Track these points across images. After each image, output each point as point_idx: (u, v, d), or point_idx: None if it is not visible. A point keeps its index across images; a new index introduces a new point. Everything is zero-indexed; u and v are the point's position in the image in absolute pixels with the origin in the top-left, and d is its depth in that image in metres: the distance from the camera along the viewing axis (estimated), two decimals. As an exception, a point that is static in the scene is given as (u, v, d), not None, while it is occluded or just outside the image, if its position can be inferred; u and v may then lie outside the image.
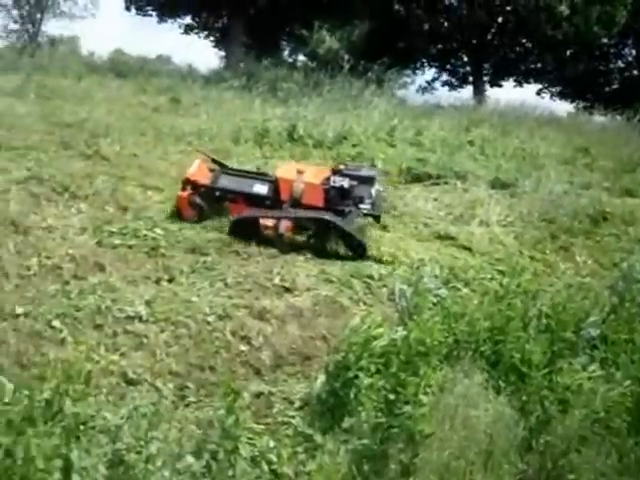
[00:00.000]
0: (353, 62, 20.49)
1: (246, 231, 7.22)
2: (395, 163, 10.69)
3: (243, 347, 5.19)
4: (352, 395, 4.21)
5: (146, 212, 7.51)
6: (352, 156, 10.87)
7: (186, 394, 4.66)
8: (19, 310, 5.30)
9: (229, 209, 7.76)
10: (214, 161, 8.53)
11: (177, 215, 7.63)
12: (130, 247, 6.71)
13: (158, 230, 7.10)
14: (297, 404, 4.59)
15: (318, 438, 4.11)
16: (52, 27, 52.57)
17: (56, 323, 5.19)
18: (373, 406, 4.08)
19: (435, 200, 9.25)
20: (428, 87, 30.49)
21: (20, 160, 8.89)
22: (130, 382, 4.66)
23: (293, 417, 4.45)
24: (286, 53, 31.65)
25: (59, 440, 3.34)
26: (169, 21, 29.88)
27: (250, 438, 4.00)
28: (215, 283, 6.14)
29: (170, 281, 6.16)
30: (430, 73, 30.63)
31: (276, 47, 29.57)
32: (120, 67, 20.76)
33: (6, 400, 3.39)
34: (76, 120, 11.25)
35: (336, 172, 7.93)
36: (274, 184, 7.85)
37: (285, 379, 4.90)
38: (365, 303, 6.06)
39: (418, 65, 30.02)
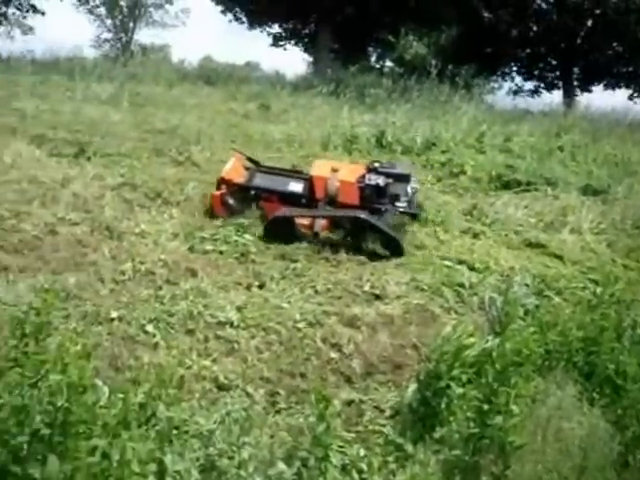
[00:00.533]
0: (440, 67, 20.36)
1: (282, 230, 7.23)
2: (485, 170, 10.56)
3: (334, 354, 5.17)
4: (443, 405, 4.17)
5: (236, 218, 7.52)
6: (441, 162, 10.82)
7: (277, 400, 4.65)
8: (114, 314, 5.36)
9: (264, 208, 7.76)
10: (249, 159, 8.59)
11: (210, 214, 7.70)
12: (221, 253, 6.79)
13: (248, 236, 7.15)
14: (388, 413, 4.56)
15: (409, 448, 4.07)
16: (144, 36, 53.59)
17: (149, 327, 5.24)
18: (465, 416, 4.02)
19: (525, 207, 9.10)
20: (516, 92, 30.00)
21: (114, 166, 9.07)
22: (221, 387, 4.68)
23: (384, 426, 4.42)
24: (373, 59, 31.62)
25: (153, 444, 3.37)
26: (257, 29, 30.14)
27: (341, 446, 4.00)
28: (305, 290, 6.15)
29: (261, 287, 6.19)
30: (518, 78, 30.21)
31: (363, 53, 29.54)
32: (209, 74, 20.98)
33: (102, 403, 3.42)
34: (168, 127, 11.42)
35: (371, 170, 7.93)
36: (309, 182, 7.87)
37: (376, 387, 4.87)
38: (456, 312, 5.99)
39: (506, 70, 29.65)
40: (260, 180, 8.13)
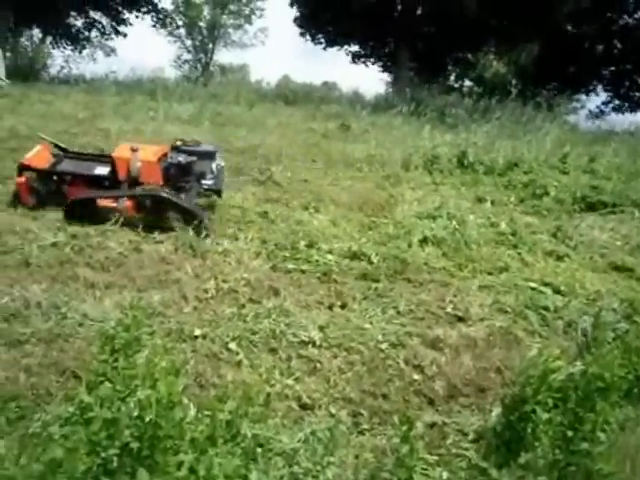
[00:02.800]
0: (521, 86, 20.20)
1: (83, 212, 7.31)
2: (569, 191, 10.40)
3: (416, 376, 5.13)
4: (529, 430, 4.10)
5: (317, 238, 7.54)
6: (524, 183, 10.70)
7: (359, 421, 4.63)
8: (197, 332, 5.40)
9: (68, 193, 7.74)
10: (56, 146, 8.58)
11: (18, 201, 7.72)
12: (303, 272, 6.78)
13: (330, 256, 7.15)
14: (471, 436, 4.50)
15: (493, 472, 4.02)
16: (223, 56, 54.27)
17: (232, 346, 5.26)
18: (550, 442, 3.97)
19: (611, 230, 8.95)
20: (600, 112, 29.49)
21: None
22: (305, 406, 4.67)
23: (467, 449, 4.36)
24: (452, 78, 31.56)
25: (239, 461, 3.39)
26: (335, 48, 30.29)
27: (424, 468, 3.95)
28: (387, 310, 6.12)
29: (343, 307, 6.17)
30: (602, 97, 29.70)
31: (443, 72, 29.50)
32: (288, 94, 21.14)
33: (189, 419, 3.45)
34: (249, 146, 11.52)
35: (174, 149, 7.97)
36: (112, 164, 7.87)
37: (459, 410, 4.81)
38: (540, 335, 5.90)
39: (589, 89, 29.23)
40: (66, 165, 8.16)
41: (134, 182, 7.73)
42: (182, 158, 7.85)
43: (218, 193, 8.17)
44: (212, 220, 7.62)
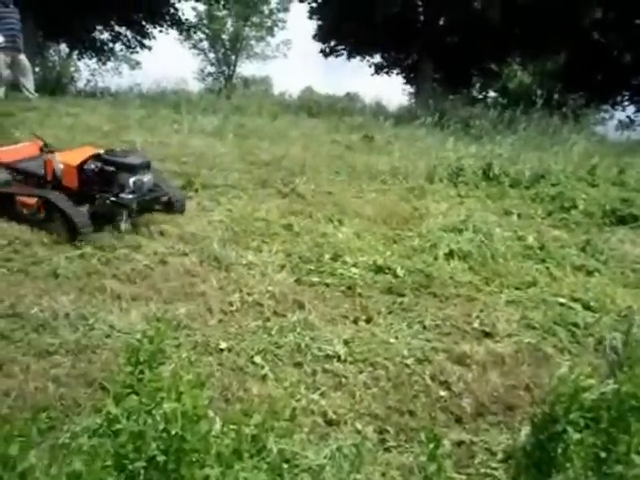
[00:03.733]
0: (546, 96, 20.07)
1: (4, 206, 7.63)
2: (598, 204, 10.24)
3: (443, 392, 5.08)
4: (560, 450, 4.03)
5: (341, 251, 7.49)
6: (551, 196, 10.58)
7: (385, 437, 4.58)
8: (223, 345, 5.40)
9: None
10: (45, 145, 8.73)
11: None
12: (327, 285, 6.73)
13: (354, 269, 7.10)
14: (500, 456, 4.42)
15: (523, 493, 3.98)
16: (246, 68, 54.52)
17: (258, 359, 5.25)
18: (582, 463, 3.89)
19: (643, 244, 8.85)
20: (630, 122, 29.04)
21: (220, 198, 9.18)
22: (330, 422, 4.63)
23: (496, 469, 4.29)
24: (476, 88, 31.50)
25: (265, 475, 3.36)
26: (357, 59, 30.34)
27: (452, 488, 3.93)
28: (413, 325, 6.07)
29: (368, 321, 6.12)
30: (631, 108, 29.36)
31: (467, 82, 29.44)
32: (311, 105, 21.15)
33: (214, 433, 3.43)
34: (273, 159, 11.49)
35: (96, 156, 7.76)
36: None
37: (487, 428, 4.74)
38: (570, 352, 5.80)
39: (618, 99, 28.95)
40: (24, 164, 8.33)
41: (58, 184, 7.81)
42: (97, 167, 7.73)
43: (125, 207, 7.66)
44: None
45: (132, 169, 7.67)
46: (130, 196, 7.54)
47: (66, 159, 7.82)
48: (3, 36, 15.74)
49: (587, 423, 4.04)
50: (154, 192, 7.89)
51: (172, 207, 8.15)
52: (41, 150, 8.60)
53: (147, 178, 7.75)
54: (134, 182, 7.57)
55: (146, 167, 7.79)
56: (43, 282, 6.27)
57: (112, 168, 7.64)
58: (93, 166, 7.73)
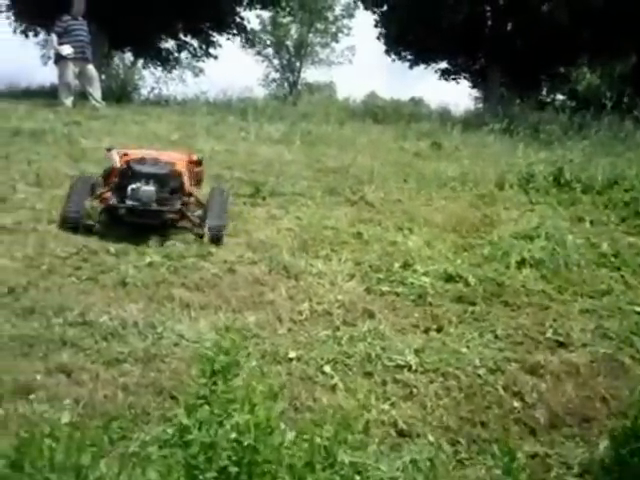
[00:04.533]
0: (616, 99, 19.71)
1: None
2: (676, 209, 10.07)
3: (516, 403, 5.02)
4: (641, 466, 3.93)
5: (411, 260, 7.43)
6: (625, 202, 10.36)
7: (458, 449, 4.53)
8: (292, 354, 5.40)
9: None
10: None
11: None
12: (398, 295, 6.68)
13: (425, 278, 7.03)
14: (576, 469, 4.35)
15: (602, 508, 3.89)
16: (310, 74, 54.75)
17: (327, 369, 5.24)
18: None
19: None
20: None
21: (289, 206, 9.16)
22: (401, 433, 4.60)
23: (572, 483, 4.24)
24: (544, 92, 31.18)
25: (337, 488, 3.34)
26: (422, 65, 30.22)
27: (528, 502, 3.85)
28: (485, 334, 6.00)
29: (438, 331, 6.07)
30: None
31: (535, 86, 29.13)
32: (376, 111, 21.07)
33: (286, 444, 3.40)
34: (340, 166, 11.43)
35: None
36: None
37: (562, 441, 4.67)
38: (648, 363, 5.70)
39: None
40: None
41: None
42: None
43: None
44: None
45: (135, 177, 7.66)
46: (114, 201, 7.61)
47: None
48: (72, 47, 16.05)
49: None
50: (159, 205, 7.64)
51: (202, 233, 7.58)
52: None
53: (148, 189, 7.57)
54: (132, 189, 7.51)
55: (152, 178, 7.65)
56: (112, 290, 6.33)
57: (128, 174, 7.74)
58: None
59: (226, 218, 7.85)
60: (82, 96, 16.81)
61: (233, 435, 3.16)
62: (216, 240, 7.45)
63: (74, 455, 3.05)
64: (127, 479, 3.14)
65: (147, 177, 7.58)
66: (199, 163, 8.65)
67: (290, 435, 3.55)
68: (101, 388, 4.72)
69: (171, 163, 7.94)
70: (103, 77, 19.10)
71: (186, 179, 8.02)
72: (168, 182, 7.75)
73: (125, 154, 8.06)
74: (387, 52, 29.49)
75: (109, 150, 8.20)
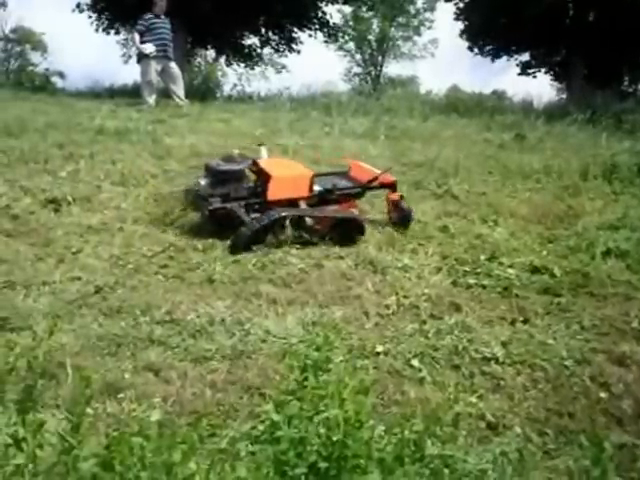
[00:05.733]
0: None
1: None
2: None
3: (602, 394, 4.99)
4: None
5: (497, 252, 7.46)
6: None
7: (545, 441, 4.55)
8: (379, 348, 5.43)
9: None
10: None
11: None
12: (484, 287, 6.72)
13: (510, 270, 7.06)
14: (663, 459, 4.36)
15: (691, 498, 3.89)
16: (392, 68, 54.61)
17: (415, 362, 5.26)
18: None
19: None
20: None
21: (374, 200, 9.21)
22: (489, 425, 4.62)
23: (659, 473, 4.23)
24: (625, 82, 30.69)
25: (428, 482, 3.38)
26: (504, 58, 29.98)
27: (619, 493, 3.87)
28: (571, 325, 5.99)
29: (525, 322, 6.08)
30: None
31: (617, 76, 28.68)
32: (458, 104, 20.99)
33: (376, 439, 3.46)
34: (425, 160, 11.48)
35: None
36: None
37: (649, 431, 4.68)
38: None
39: None
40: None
41: None
42: None
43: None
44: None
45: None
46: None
47: None
48: (154, 45, 16.37)
49: None
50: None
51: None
52: None
53: (203, 182, 7.88)
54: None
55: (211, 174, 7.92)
56: (199, 288, 6.45)
57: None
58: None
59: None
60: (165, 94, 17.11)
61: (322, 430, 3.20)
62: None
63: (164, 453, 3.09)
64: (217, 476, 3.17)
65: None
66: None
67: (379, 429, 3.62)
68: (189, 386, 4.79)
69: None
70: (185, 75, 19.35)
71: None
72: None
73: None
74: (470, 48, 29.31)
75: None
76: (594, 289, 6.75)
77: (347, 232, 7.60)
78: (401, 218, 8.21)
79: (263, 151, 8.33)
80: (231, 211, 7.61)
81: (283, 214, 7.40)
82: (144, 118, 13.70)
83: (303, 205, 7.75)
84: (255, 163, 8.02)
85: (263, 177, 7.82)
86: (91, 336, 5.39)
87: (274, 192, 7.71)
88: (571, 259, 7.41)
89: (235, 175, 7.89)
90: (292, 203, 7.74)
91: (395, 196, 8.32)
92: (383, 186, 8.42)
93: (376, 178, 8.22)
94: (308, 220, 7.51)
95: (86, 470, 2.97)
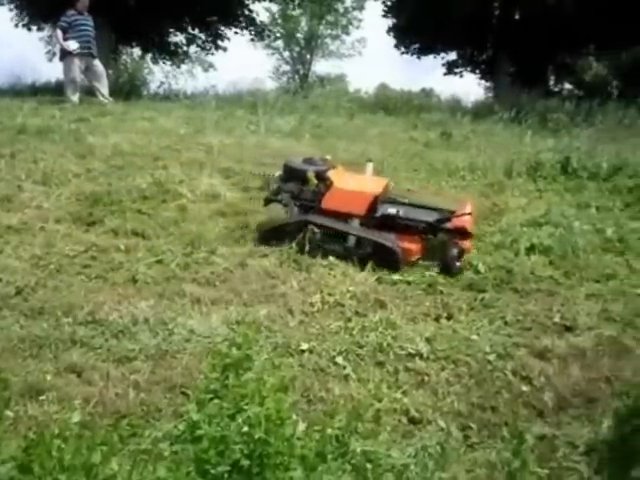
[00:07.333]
0: (622, 88, 19.75)
1: None
2: (676, 194, 10.16)
3: (525, 387, 5.07)
4: (643, 443, 4.01)
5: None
6: (629, 188, 10.44)
7: (468, 434, 4.60)
8: (304, 346, 5.43)
9: None
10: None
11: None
12: (408, 284, 6.76)
13: (434, 268, 7.15)
14: (582, 449, 4.40)
15: (606, 486, 3.97)
16: (320, 66, 54.70)
17: (339, 359, 5.28)
18: (666, 455, 3.87)
19: None
20: None
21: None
22: (413, 420, 4.66)
23: (578, 462, 4.27)
24: (551, 82, 31.16)
25: (349, 477, 3.40)
26: (431, 57, 30.23)
27: (535, 483, 3.93)
28: (494, 321, 6.08)
29: (449, 318, 6.15)
30: None
31: (542, 76, 29.09)
32: (386, 102, 21.10)
33: (298, 436, 3.47)
34: (351, 158, 11.47)
35: None
36: None
37: (568, 422, 4.72)
38: (650, 343, 5.77)
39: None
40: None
41: None
42: None
43: None
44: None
45: None
46: None
47: None
48: (78, 42, 16.18)
49: (672, 415, 4.02)
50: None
51: None
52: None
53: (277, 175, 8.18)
54: None
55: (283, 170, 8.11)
56: (122, 288, 6.35)
57: None
58: None
59: None
60: (89, 92, 16.88)
61: (244, 429, 3.20)
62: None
63: (84, 454, 3.05)
64: (138, 476, 3.16)
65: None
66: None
67: (302, 426, 3.63)
68: (112, 386, 4.74)
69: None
70: (110, 72, 19.14)
71: None
72: None
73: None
74: (396, 46, 29.50)
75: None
76: (518, 285, 6.85)
77: (385, 260, 7.18)
78: (446, 264, 7.27)
79: (369, 167, 8.20)
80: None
81: (305, 219, 7.38)
82: (67, 116, 13.48)
83: (355, 223, 7.55)
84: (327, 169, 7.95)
85: (327, 184, 7.71)
86: (12, 338, 5.29)
87: (329, 201, 7.58)
88: (495, 255, 7.51)
89: (300, 175, 7.86)
90: (346, 218, 7.57)
91: (467, 245, 7.49)
92: (456, 231, 7.51)
93: (449, 219, 7.54)
94: (350, 239, 7.35)
95: (4, 474, 2.94)
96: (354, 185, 7.83)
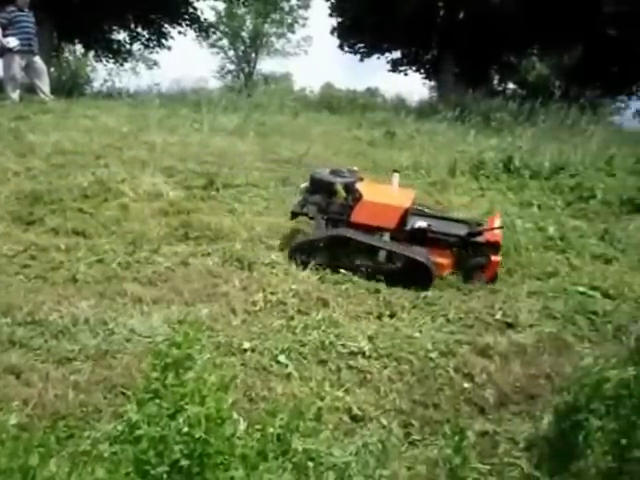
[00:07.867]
0: (564, 88, 20.04)
1: None
2: (615, 193, 10.30)
3: (466, 384, 5.10)
4: (581, 438, 4.05)
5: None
6: (570, 186, 10.62)
7: (410, 431, 4.61)
8: (246, 345, 5.40)
9: None
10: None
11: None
12: (352, 282, 6.76)
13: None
14: (522, 445, 4.44)
15: (545, 481, 4.00)
16: (266, 65, 54.74)
17: (282, 358, 5.25)
18: (603, 450, 3.91)
19: (661, 232, 8.82)
20: (644, 113, 29.11)
21: (242, 197, 9.23)
22: (355, 418, 4.66)
23: (519, 458, 4.30)
24: (495, 81, 31.50)
25: (290, 475, 3.39)
26: (376, 56, 30.35)
27: (476, 479, 3.96)
28: (437, 319, 6.11)
29: (391, 316, 6.15)
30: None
31: (485, 75, 29.40)
32: (331, 101, 21.17)
33: (239, 435, 3.45)
34: (294, 156, 11.51)
35: None
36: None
37: (509, 418, 4.77)
38: (590, 340, 5.83)
39: (633, 89, 28.84)
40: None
41: None
42: None
43: None
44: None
45: None
46: None
47: None
48: (18, 39, 15.96)
49: (608, 410, 4.06)
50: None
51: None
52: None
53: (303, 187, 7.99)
54: None
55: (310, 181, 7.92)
56: (62, 288, 6.26)
57: None
58: None
59: None
60: (30, 90, 16.66)
61: (184, 429, 3.17)
62: None
63: (21, 457, 3.02)
64: (77, 478, 3.12)
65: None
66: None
67: (242, 425, 3.61)
68: (51, 387, 4.65)
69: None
70: (52, 70, 18.91)
71: None
72: None
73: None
74: (340, 46, 29.61)
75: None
76: (460, 283, 6.93)
77: (416, 275, 6.96)
78: (469, 271, 7.22)
79: (395, 178, 7.94)
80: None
81: (338, 234, 7.22)
82: (7, 114, 13.30)
83: (386, 237, 7.36)
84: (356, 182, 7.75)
85: (356, 197, 7.51)
86: (-52, 339, 5.20)
87: (359, 215, 7.37)
88: (438, 253, 7.51)
89: (328, 187, 7.68)
90: (376, 231, 7.38)
91: (497, 259, 7.24)
92: (488, 244, 7.31)
93: (480, 232, 7.39)
94: (381, 254, 7.14)
95: (-62, 478, 2.90)
96: (384, 198, 7.61)
